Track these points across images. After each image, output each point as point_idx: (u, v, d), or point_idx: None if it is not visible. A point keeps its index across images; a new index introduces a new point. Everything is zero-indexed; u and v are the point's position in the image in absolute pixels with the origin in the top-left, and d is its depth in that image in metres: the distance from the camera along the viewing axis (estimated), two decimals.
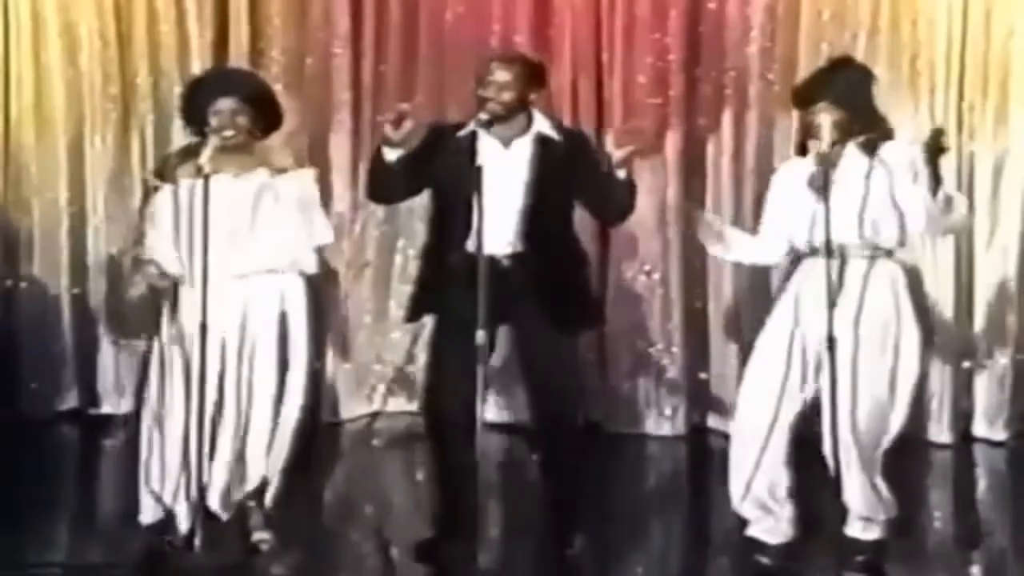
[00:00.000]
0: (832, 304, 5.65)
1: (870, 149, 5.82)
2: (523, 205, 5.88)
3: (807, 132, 5.88)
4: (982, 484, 7.53)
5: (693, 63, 8.09)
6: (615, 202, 6.01)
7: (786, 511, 5.93)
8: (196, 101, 5.99)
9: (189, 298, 5.83)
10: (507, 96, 5.89)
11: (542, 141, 5.93)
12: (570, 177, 5.93)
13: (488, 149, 5.81)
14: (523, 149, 5.92)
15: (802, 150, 5.95)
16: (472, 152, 5.72)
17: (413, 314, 6.22)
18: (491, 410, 7.49)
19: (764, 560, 5.95)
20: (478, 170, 5.58)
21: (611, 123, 8.10)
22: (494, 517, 6.43)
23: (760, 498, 5.92)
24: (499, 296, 5.58)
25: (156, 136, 8.20)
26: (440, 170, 5.90)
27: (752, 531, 5.99)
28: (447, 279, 5.88)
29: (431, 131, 6.07)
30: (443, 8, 8.18)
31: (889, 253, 5.87)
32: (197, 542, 5.74)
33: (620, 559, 6.15)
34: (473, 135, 5.86)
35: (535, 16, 8.16)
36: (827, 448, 5.69)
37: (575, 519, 6.12)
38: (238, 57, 8.09)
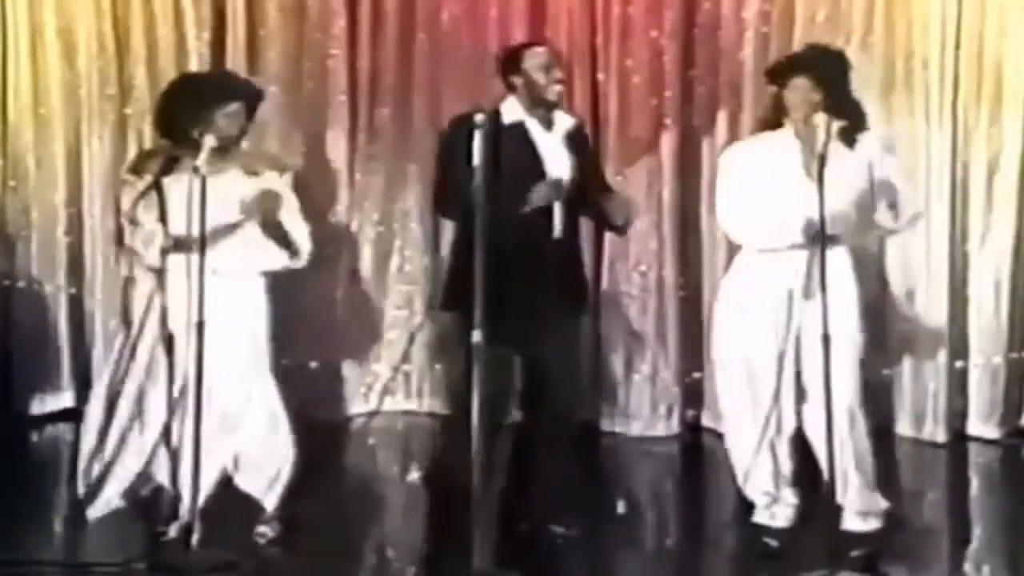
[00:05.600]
0: (809, 295, 5.75)
1: (848, 139, 5.87)
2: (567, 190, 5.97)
3: (779, 109, 5.96)
4: (976, 482, 7.56)
5: (688, 64, 8.13)
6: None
7: (789, 496, 6.00)
8: (199, 104, 6.00)
9: (178, 292, 5.89)
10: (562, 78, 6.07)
11: (573, 126, 6.10)
12: (588, 161, 6.08)
13: (537, 135, 6.01)
14: (561, 134, 6.03)
15: (772, 127, 6.01)
16: (524, 138, 5.93)
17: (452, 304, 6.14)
18: None
19: (770, 542, 6.01)
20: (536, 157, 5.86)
21: (607, 124, 8.15)
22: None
23: (763, 485, 6.00)
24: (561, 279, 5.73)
25: (153, 137, 8.22)
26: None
27: (757, 516, 6.09)
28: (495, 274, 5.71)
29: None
30: (439, 9, 8.21)
31: (838, 239, 5.92)
32: (195, 539, 5.77)
33: (616, 557, 6.17)
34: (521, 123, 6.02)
35: (531, 17, 8.18)
36: (818, 442, 5.82)
37: (564, 506, 6.17)
38: (235, 59, 8.11)
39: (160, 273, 5.98)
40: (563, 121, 6.14)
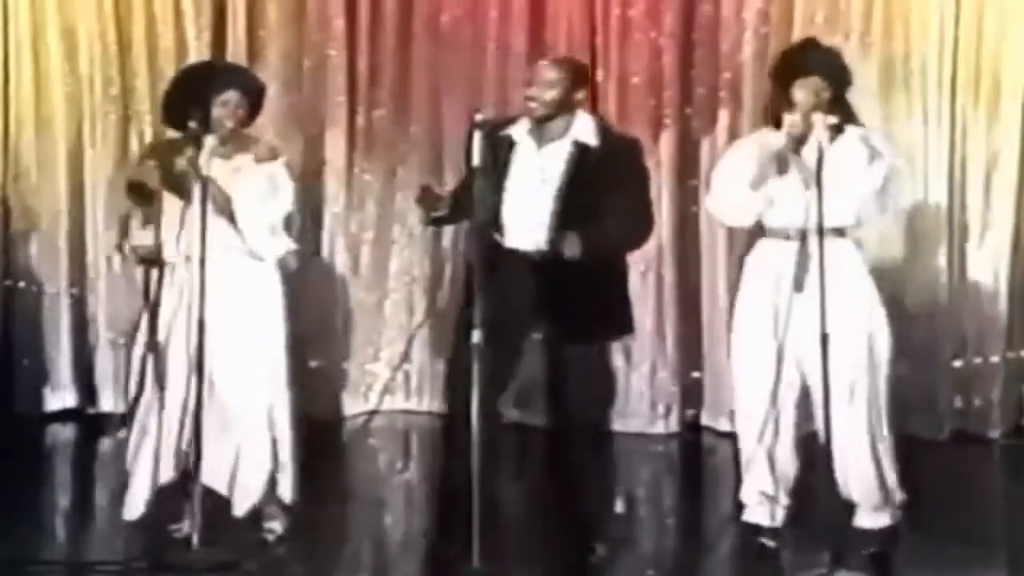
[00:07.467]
0: (799, 288, 5.74)
1: (837, 131, 5.82)
2: (554, 208, 5.83)
3: (780, 106, 5.92)
4: (974, 482, 7.56)
5: (688, 64, 8.15)
6: (627, 229, 5.99)
7: (783, 497, 5.98)
8: (195, 92, 6.01)
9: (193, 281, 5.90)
10: (550, 95, 5.88)
11: (578, 147, 5.89)
12: (604, 186, 5.83)
13: (523, 149, 5.87)
14: (558, 152, 5.87)
15: (777, 124, 5.95)
16: (509, 150, 5.83)
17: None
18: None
19: (764, 541, 6.01)
20: (504, 168, 5.75)
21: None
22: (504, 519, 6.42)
23: (762, 485, 5.98)
24: (527, 294, 5.61)
25: (154, 137, 8.24)
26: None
27: (748, 516, 6.05)
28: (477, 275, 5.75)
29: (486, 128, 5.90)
30: (439, 11, 8.22)
31: (842, 232, 5.89)
32: (195, 539, 5.79)
33: (615, 557, 6.19)
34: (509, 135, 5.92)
35: (531, 19, 8.20)
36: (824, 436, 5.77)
37: (598, 525, 6.11)
38: (235, 59, 8.10)
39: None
40: (573, 133, 5.89)
